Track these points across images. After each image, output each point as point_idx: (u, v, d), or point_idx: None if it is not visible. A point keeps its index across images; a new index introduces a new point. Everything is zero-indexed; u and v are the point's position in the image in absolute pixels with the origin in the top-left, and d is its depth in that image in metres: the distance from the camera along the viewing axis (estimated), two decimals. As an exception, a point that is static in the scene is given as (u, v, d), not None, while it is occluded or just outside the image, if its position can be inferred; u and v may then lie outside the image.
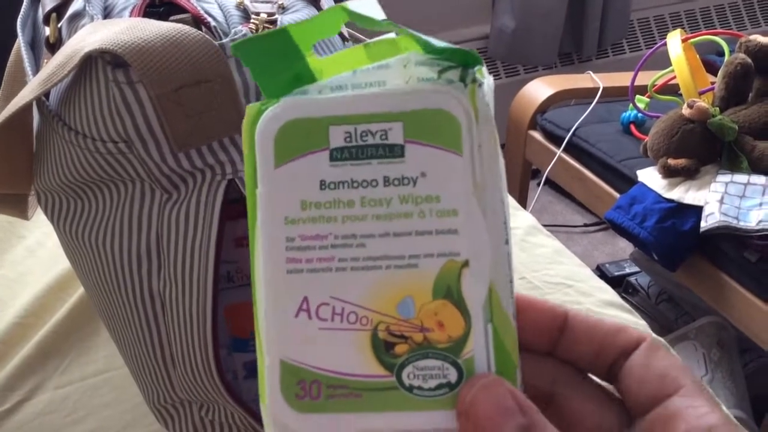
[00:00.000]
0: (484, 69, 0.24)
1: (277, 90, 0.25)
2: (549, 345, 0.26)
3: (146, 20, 0.39)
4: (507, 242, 0.24)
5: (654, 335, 0.25)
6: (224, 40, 0.39)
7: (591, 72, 1.59)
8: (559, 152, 1.44)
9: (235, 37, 0.39)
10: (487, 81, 0.24)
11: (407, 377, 0.23)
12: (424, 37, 0.23)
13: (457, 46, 0.23)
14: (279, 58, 0.24)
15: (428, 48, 0.24)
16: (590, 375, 0.26)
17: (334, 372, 0.23)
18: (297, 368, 0.23)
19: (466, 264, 0.23)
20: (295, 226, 0.24)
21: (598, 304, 0.75)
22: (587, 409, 0.25)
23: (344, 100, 0.24)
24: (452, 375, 0.23)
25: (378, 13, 0.24)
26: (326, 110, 0.24)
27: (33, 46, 0.50)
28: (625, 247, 1.86)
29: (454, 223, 0.23)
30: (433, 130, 0.23)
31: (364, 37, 0.55)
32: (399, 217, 0.23)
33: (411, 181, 0.23)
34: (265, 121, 0.24)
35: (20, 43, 0.47)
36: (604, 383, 0.26)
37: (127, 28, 0.37)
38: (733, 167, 1.16)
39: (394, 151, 0.23)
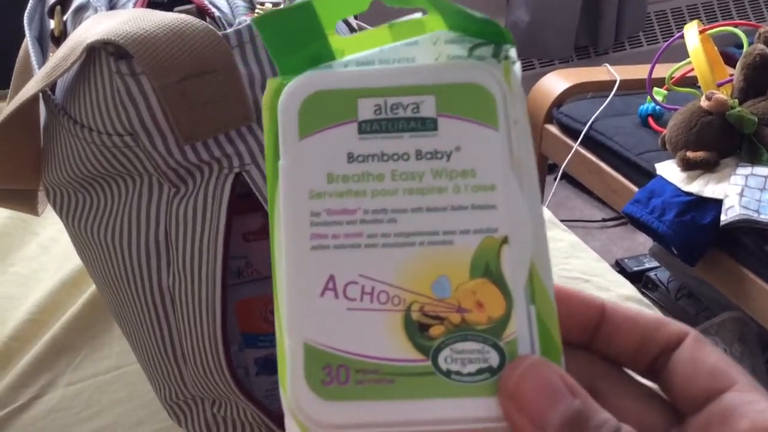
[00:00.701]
0: (514, 49, 0.23)
1: (295, 69, 0.24)
2: (585, 338, 0.25)
3: (150, 11, 0.38)
4: (543, 222, 0.22)
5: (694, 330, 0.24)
6: (228, 30, 0.39)
7: (608, 65, 1.57)
8: (575, 146, 1.42)
9: (239, 26, 0.39)
10: (518, 63, 0.23)
11: (444, 361, 0.21)
12: (458, 6, 0.22)
13: (493, 20, 0.22)
14: (299, 35, 0.23)
15: (460, 22, 0.23)
16: (627, 370, 0.25)
17: (364, 356, 0.21)
18: (322, 352, 0.21)
19: (505, 241, 0.22)
20: (320, 200, 0.22)
21: (617, 299, 0.74)
22: (628, 406, 0.24)
23: (374, 72, 0.23)
24: (493, 359, 0.21)
25: None
26: (355, 82, 0.23)
27: (40, 40, 0.49)
28: (644, 242, 1.84)
29: (492, 198, 0.22)
30: (467, 104, 0.22)
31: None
32: (432, 192, 0.22)
33: (444, 155, 0.22)
34: (289, 91, 0.23)
35: (27, 38, 0.47)
36: (642, 379, 0.25)
37: (130, 19, 0.37)
38: (753, 160, 1.14)
39: (427, 125, 0.23)
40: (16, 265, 0.79)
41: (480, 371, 0.21)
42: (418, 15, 0.24)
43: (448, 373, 0.21)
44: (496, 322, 0.21)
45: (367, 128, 0.23)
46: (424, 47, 0.24)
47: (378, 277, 0.22)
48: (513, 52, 0.23)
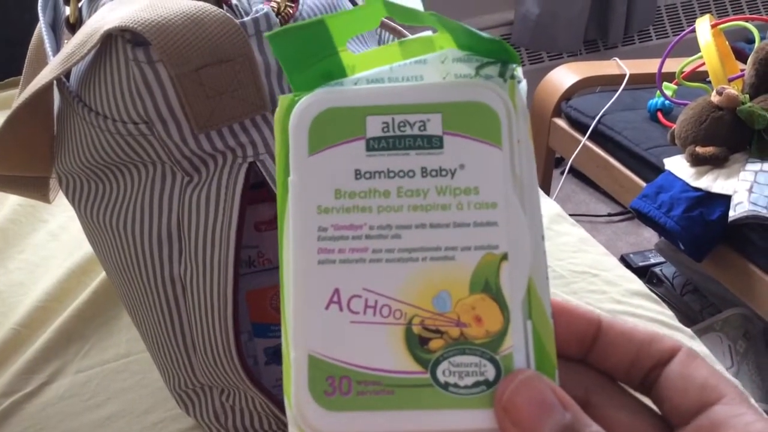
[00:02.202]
0: (520, 68, 0.24)
1: (307, 84, 0.24)
2: (581, 352, 0.26)
3: (167, -2, 0.38)
4: (543, 238, 0.23)
5: (687, 345, 0.25)
6: (245, 19, 0.38)
7: (617, 59, 1.57)
8: (584, 140, 1.42)
9: (257, 15, 0.39)
10: (523, 82, 0.24)
11: (442, 374, 0.22)
12: (467, 27, 0.23)
13: (500, 40, 0.23)
14: (312, 51, 0.24)
15: (468, 41, 0.23)
16: (620, 383, 0.26)
17: (366, 367, 0.22)
18: (326, 363, 0.22)
19: (505, 257, 0.22)
20: (328, 216, 0.23)
21: (625, 294, 0.73)
22: (620, 418, 0.24)
23: (382, 90, 0.24)
24: (490, 372, 0.22)
25: (418, 5, 0.23)
26: (364, 100, 0.24)
27: (54, 27, 0.49)
28: (649, 237, 1.83)
29: (494, 215, 0.23)
30: (472, 123, 0.23)
31: (401, 28, 0.55)
32: (436, 209, 0.23)
33: (449, 173, 0.23)
34: (300, 108, 0.24)
35: (41, 25, 0.47)
36: (634, 392, 0.26)
37: (148, 6, 0.36)
38: (763, 155, 1.13)
39: (433, 142, 0.23)
40: (25, 252, 0.80)
41: (477, 384, 0.22)
42: (428, 33, 0.24)
43: (446, 386, 0.22)
44: (493, 336, 0.22)
45: (374, 145, 0.23)
46: (433, 66, 0.24)
47: (381, 291, 0.23)
48: (519, 71, 0.24)
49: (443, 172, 0.23)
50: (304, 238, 0.23)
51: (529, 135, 0.23)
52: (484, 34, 0.23)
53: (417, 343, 0.22)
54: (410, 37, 0.25)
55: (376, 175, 0.23)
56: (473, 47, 0.24)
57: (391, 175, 0.23)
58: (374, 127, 0.23)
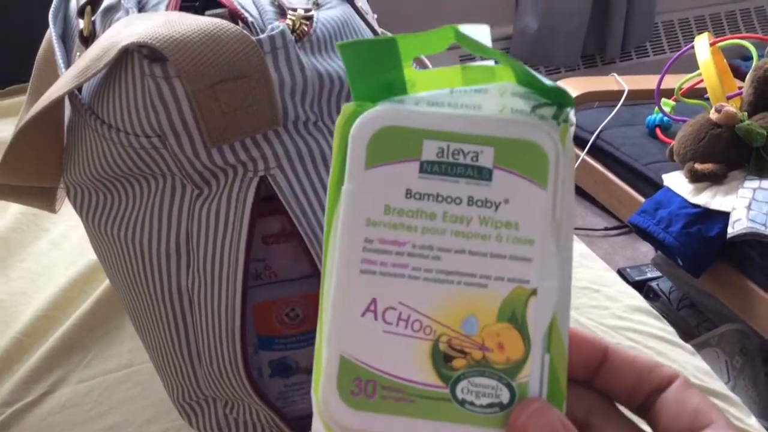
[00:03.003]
0: (573, 112, 0.25)
1: (368, 93, 0.25)
2: (587, 375, 0.28)
3: (183, 14, 0.38)
4: (570, 277, 0.24)
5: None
6: (261, 36, 0.39)
7: (615, 74, 1.58)
8: (582, 155, 1.43)
9: (272, 32, 0.39)
10: (574, 125, 0.25)
11: (461, 391, 0.24)
12: (530, 70, 0.24)
13: (559, 86, 0.24)
14: (378, 63, 0.25)
15: (528, 81, 0.24)
16: (618, 405, 0.28)
17: (392, 375, 0.24)
18: (355, 365, 0.24)
19: (534, 293, 0.24)
20: (375, 229, 0.24)
21: (626, 310, 0.74)
22: None
23: (442, 116, 0.25)
24: (504, 396, 0.24)
25: (487, 41, 0.25)
26: (423, 123, 0.25)
27: (63, 39, 0.49)
28: (646, 252, 1.84)
29: (529, 252, 0.24)
30: (522, 160, 0.24)
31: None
32: (476, 237, 0.24)
33: (494, 205, 0.24)
34: (363, 121, 0.25)
35: (52, 36, 0.47)
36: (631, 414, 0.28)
37: (165, 23, 0.37)
38: (761, 173, 1.14)
39: (483, 174, 0.24)
40: (27, 261, 0.80)
41: (491, 405, 0.24)
42: (491, 62, 0.26)
43: (462, 402, 0.24)
44: (513, 364, 0.24)
45: (428, 168, 0.24)
46: (492, 97, 0.25)
47: (415, 306, 0.24)
48: (572, 115, 0.25)
49: (488, 204, 0.24)
50: (350, 247, 0.24)
51: (572, 176, 0.24)
52: (545, 80, 0.24)
53: (441, 360, 0.24)
54: (474, 63, 0.26)
55: (425, 197, 0.24)
56: (533, 85, 0.25)
57: (440, 199, 0.24)
58: (430, 150, 0.24)
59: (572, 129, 0.25)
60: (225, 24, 0.37)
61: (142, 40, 0.35)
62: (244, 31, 0.37)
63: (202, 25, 0.36)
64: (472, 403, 0.23)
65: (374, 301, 0.24)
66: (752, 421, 0.62)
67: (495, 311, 0.24)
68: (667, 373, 0.27)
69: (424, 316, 0.24)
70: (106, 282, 0.72)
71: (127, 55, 0.38)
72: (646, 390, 0.27)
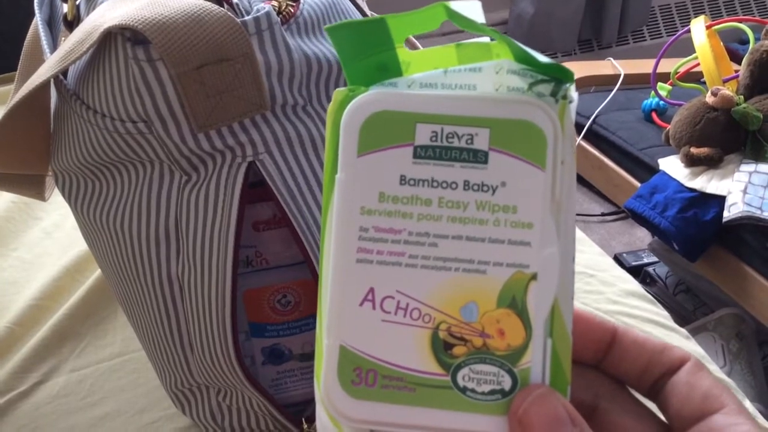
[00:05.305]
0: (573, 87, 0.24)
1: (362, 76, 0.25)
2: (595, 358, 0.27)
3: (167, -4, 0.38)
4: (573, 260, 0.24)
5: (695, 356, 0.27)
6: (246, 18, 0.38)
7: (612, 59, 1.57)
8: (578, 140, 1.42)
9: (258, 14, 0.38)
10: (575, 101, 0.24)
11: (462, 379, 0.23)
12: (524, 48, 0.23)
13: (555, 62, 0.23)
14: (370, 45, 0.25)
15: (524, 58, 0.24)
16: (628, 389, 0.27)
17: (392, 364, 0.24)
18: (355, 355, 0.24)
19: (534, 277, 0.23)
20: (370, 217, 0.24)
21: (621, 294, 0.74)
22: (627, 422, 0.26)
23: (434, 98, 0.24)
24: (506, 383, 0.23)
25: (479, 17, 0.24)
26: (415, 106, 0.24)
27: (50, 23, 0.49)
28: (642, 237, 1.84)
29: (528, 236, 0.23)
30: (518, 142, 0.23)
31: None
32: (474, 223, 0.24)
33: (490, 189, 0.24)
34: (353, 108, 0.24)
35: (37, 21, 0.47)
36: (641, 397, 0.27)
37: (148, 4, 0.36)
38: (757, 157, 1.14)
39: (478, 157, 0.24)
40: (19, 250, 0.79)
41: (493, 392, 0.23)
42: (485, 39, 0.25)
43: (464, 390, 0.23)
44: (514, 350, 0.23)
45: (421, 153, 0.24)
46: (487, 75, 0.24)
47: (413, 295, 0.24)
48: (572, 90, 0.24)
49: (485, 188, 0.24)
50: (345, 236, 0.24)
51: (573, 156, 0.24)
52: (542, 57, 0.23)
53: (441, 348, 0.24)
54: (469, 41, 0.25)
55: (420, 183, 0.24)
56: (529, 61, 0.24)
57: (435, 184, 0.24)
58: (423, 135, 0.24)
59: (572, 106, 0.24)
60: (209, 5, 0.36)
61: (125, 22, 0.35)
62: (229, 13, 0.37)
63: (186, 7, 0.36)
64: (473, 391, 0.23)
65: (372, 290, 0.24)
66: (748, 405, 0.62)
67: (495, 297, 0.23)
68: (678, 354, 0.26)
69: (422, 304, 0.24)
70: (99, 271, 0.72)
71: (110, 38, 0.38)
72: (657, 372, 0.26)
